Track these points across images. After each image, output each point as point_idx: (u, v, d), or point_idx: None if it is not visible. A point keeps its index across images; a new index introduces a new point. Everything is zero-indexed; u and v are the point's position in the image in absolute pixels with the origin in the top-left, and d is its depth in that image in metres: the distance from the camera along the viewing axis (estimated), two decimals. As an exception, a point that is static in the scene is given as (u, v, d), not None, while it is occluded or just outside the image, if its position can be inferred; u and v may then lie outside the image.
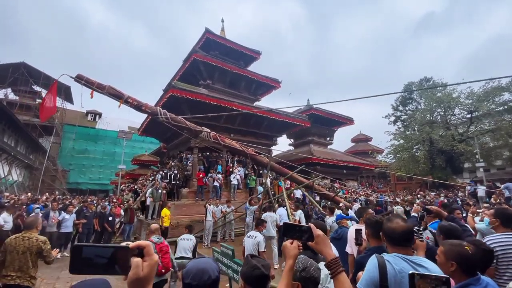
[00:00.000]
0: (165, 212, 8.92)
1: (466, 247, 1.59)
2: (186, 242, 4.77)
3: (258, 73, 17.10)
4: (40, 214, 7.92)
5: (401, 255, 1.53)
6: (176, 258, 4.47)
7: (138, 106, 6.59)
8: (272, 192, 10.66)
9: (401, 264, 1.48)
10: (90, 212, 9.12)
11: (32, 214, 7.71)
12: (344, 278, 1.21)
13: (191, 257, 4.55)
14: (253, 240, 4.31)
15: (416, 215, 3.69)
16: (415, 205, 6.41)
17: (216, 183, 12.07)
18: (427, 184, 25.08)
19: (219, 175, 12.63)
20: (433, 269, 1.46)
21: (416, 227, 2.58)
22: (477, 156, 20.77)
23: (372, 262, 1.57)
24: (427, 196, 13.92)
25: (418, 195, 14.60)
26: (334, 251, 1.32)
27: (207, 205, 9.34)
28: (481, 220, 4.28)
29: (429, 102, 25.99)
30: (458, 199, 12.37)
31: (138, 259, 0.64)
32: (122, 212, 10.25)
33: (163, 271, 3.66)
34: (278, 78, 18.06)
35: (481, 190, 12.51)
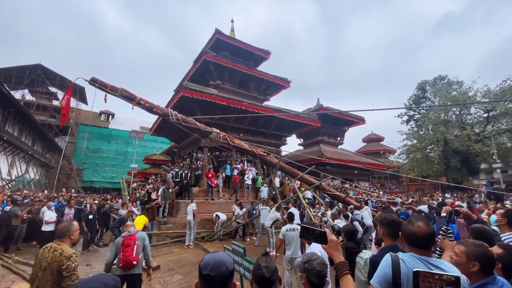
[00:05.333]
0: (140, 219, 7.73)
1: (489, 249, 1.57)
2: None
3: (267, 73, 17.11)
4: (54, 214, 8.13)
5: (418, 255, 1.51)
6: None
7: (150, 108, 6.71)
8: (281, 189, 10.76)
9: (416, 263, 1.46)
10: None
11: (65, 218, 7.91)
12: (348, 279, 1.42)
13: None
14: (296, 233, 4.33)
15: (445, 214, 3.60)
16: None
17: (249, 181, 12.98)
18: (441, 186, 24.44)
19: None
20: (451, 271, 1.40)
21: (445, 226, 2.51)
22: (494, 157, 20.09)
23: (386, 260, 1.56)
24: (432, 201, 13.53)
25: (432, 196, 14.24)
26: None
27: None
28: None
29: (443, 101, 25.28)
30: (476, 201, 11.97)
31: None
32: (135, 210, 10.39)
33: (133, 263, 3.58)
34: (290, 77, 18.06)
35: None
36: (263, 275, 1.33)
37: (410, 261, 1.48)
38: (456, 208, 4.41)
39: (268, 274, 1.34)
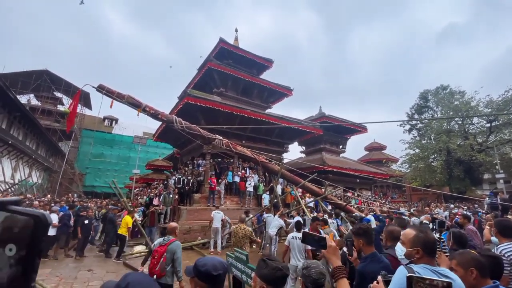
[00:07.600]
0: (124, 220, 8.18)
1: (474, 253, 1.63)
2: None
3: (270, 81, 17.29)
4: (56, 218, 8.10)
5: (430, 267, 1.52)
6: None
7: (155, 115, 6.84)
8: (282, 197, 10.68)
9: (430, 275, 1.43)
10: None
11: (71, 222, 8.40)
12: (344, 283, 1.50)
13: None
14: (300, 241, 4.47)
15: (428, 222, 3.63)
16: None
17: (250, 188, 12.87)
18: (443, 196, 24.25)
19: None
20: (458, 280, 1.42)
21: (438, 236, 2.52)
22: (497, 167, 19.95)
23: (401, 274, 1.52)
24: (437, 209, 13.47)
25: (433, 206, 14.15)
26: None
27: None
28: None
29: (446, 111, 25.31)
30: (480, 211, 11.86)
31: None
32: (136, 216, 10.39)
33: (153, 276, 3.49)
34: (292, 85, 18.23)
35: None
36: (285, 273, 1.38)
37: (424, 273, 1.46)
38: (435, 217, 4.46)
39: (288, 272, 1.42)
